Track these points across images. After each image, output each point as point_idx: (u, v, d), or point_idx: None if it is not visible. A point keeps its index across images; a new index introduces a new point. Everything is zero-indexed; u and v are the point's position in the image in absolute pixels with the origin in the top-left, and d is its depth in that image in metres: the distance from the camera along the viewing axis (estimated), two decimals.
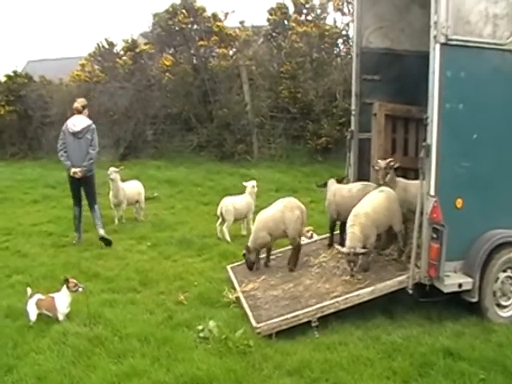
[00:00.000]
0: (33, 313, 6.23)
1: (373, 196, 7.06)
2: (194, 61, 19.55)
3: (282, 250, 8.19)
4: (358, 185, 7.87)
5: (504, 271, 6.35)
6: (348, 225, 6.76)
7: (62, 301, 6.34)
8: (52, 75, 20.67)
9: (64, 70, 20.89)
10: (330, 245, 7.91)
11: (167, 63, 19.17)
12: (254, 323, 6.07)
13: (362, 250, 6.56)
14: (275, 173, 15.77)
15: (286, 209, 7.55)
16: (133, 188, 11.09)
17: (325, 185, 8.19)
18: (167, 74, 18.95)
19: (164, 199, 12.81)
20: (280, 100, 18.25)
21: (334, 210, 7.89)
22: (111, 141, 18.68)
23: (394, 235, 7.23)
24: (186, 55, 19.67)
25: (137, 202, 11.19)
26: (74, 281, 6.46)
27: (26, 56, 61.07)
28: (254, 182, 10.23)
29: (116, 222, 10.99)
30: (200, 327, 6.01)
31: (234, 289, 7.22)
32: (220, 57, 18.81)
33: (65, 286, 6.38)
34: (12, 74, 20.53)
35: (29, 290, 6.37)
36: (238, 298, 6.93)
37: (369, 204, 6.89)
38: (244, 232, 10.00)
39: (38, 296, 6.34)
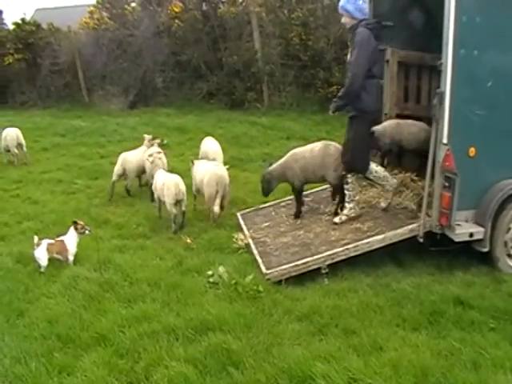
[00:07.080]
0: (44, 258, 6.28)
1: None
2: (204, 7, 19.25)
3: (292, 197, 8.06)
4: (319, 144, 7.69)
5: None
6: None
7: (72, 242, 6.46)
8: (60, 23, 20.43)
9: (72, 18, 20.71)
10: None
11: (176, 9, 18.91)
12: (263, 269, 6.08)
13: None
14: (285, 121, 15.63)
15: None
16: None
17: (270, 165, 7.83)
18: (176, 20, 18.68)
19: (174, 146, 12.74)
20: (290, 47, 18.00)
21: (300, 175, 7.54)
22: (120, 89, 18.60)
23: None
24: (196, 1, 19.34)
25: (18, 146, 12.09)
26: (82, 223, 6.56)
27: (34, 4, 60.58)
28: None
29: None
30: (210, 272, 6.04)
31: (244, 235, 7.24)
32: (230, 3, 18.52)
33: (72, 227, 6.47)
34: (20, 22, 20.28)
35: (35, 238, 6.38)
36: (247, 244, 6.95)
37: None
38: None
39: (48, 241, 6.39)
